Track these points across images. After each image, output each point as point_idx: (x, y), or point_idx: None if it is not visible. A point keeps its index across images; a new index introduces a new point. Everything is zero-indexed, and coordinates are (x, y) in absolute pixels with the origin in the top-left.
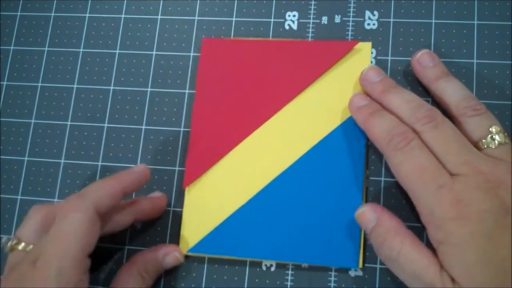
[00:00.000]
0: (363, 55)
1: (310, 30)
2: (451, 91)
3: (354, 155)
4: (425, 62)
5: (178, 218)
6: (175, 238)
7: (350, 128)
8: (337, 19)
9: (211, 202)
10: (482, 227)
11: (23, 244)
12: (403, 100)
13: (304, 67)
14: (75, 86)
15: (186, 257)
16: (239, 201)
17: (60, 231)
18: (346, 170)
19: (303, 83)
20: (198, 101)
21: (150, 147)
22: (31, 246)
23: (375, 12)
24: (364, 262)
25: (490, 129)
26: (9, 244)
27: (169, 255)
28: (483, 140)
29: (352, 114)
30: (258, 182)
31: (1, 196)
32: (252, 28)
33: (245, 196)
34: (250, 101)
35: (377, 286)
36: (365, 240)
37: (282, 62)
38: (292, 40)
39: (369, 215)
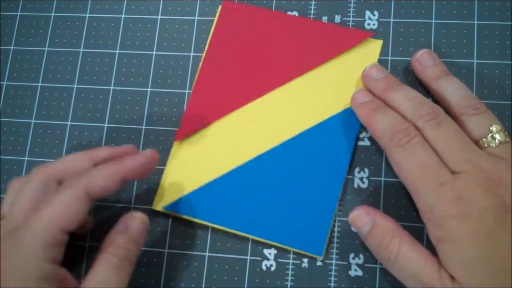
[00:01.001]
0: (371, 51)
1: None
2: (452, 90)
3: (343, 147)
4: (425, 62)
5: (178, 217)
6: (175, 238)
7: (345, 120)
8: (337, 19)
9: (195, 164)
10: (482, 225)
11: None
12: (406, 97)
13: (317, 48)
14: (75, 86)
15: (186, 256)
16: (223, 168)
17: (45, 204)
18: (331, 160)
19: (312, 63)
20: (207, 62)
21: (150, 147)
22: None
23: (375, 12)
24: (326, 252)
25: (491, 128)
26: None
27: (131, 220)
28: (484, 139)
29: (354, 110)
30: (246, 154)
31: (1, 196)
32: None
33: (230, 164)
34: (255, 71)
35: (377, 286)
36: (333, 231)
37: (296, 39)
38: (311, 19)
39: (363, 218)
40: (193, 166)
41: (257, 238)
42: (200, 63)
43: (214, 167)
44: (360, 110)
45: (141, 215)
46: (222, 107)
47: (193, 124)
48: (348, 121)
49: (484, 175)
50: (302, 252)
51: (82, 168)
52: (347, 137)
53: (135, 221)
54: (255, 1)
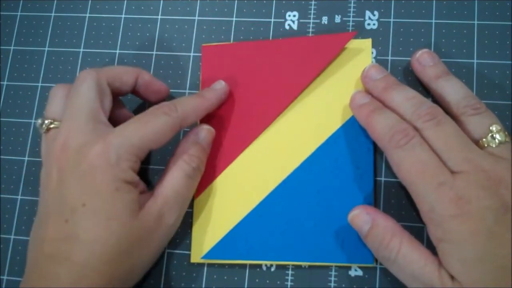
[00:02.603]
0: (363, 53)
1: (310, 30)
2: (451, 90)
3: (363, 151)
4: (425, 61)
5: None
6: (175, 238)
7: (356, 125)
8: (337, 19)
9: (221, 207)
10: (482, 225)
11: (56, 122)
12: (405, 97)
13: (306, 63)
14: None
15: (187, 256)
16: (250, 205)
17: (145, 122)
18: (355, 166)
19: (306, 80)
20: None
21: None
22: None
23: (375, 12)
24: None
25: (491, 128)
26: (44, 125)
27: (201, 131)
28: (484, 139)
29: (353, 112)
30: (267, 185)
31: (1, 196)
32: (252, 28)
33: (255, 199)
34: (254, 105)
35: (377, 286)
36: None
37: (283, 61)
38: (290, 38)
39: (363, 217)
40: (220, 211)
41: (303, 263)
42: None
43: (240, 206)
44: (358, 112)
45: (208, 126)
46: (231, 149)
47: (207, 176)
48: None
49: (484, 175)
50: (352, 264)
51: (127, 82)
52: (365, 138)
53: (204, 131)
54: (255, 1)
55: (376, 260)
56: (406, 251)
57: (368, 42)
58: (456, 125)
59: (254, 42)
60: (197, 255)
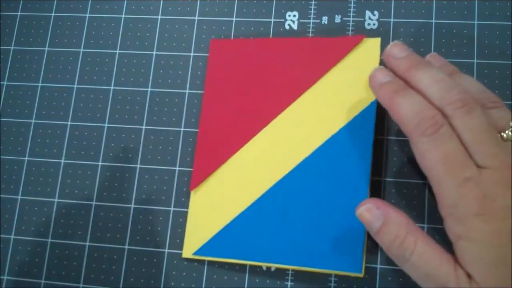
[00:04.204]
0: (372, 53)
1: (310, 30)
2: (468, 85)
3: (360, 155)
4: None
5: (178, 218)
6: (175, 238)
7: (356, 128)
8: (337, 19)
9: (216, 204)
10: (506, 225)
11: None
12: (433, 79)
13: (312, 64)
14: (75, 86)
15: (187, 258)
16: (245, 203)
17: None
18: (352, 170)
19: (310, 80)
20: (207, 102)
21: (150, 147)
22: None
23: (375, 12)
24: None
25: (511, 123)
26: None
27: None
28: (504, 133)
29: (374, 92)
30: (264, 184)
31: (1, 196)
32: (252, 28)
33: (250, 198)
34: (257, 101)
35: (377, 286)
36: (368, 244)
37: (290, 60)
38: (299, 37)
39: (374, 212)
40: (215, 207)
41: (292, 267)
42: (201, 105)
43: (236, 204)
44: (380, 91)
45: None
46: (231, 145)
47: (205, 169)
48: (361, 126)
49: (510, 172)
50: (340, 272)
51: None
52: (364, 142)
53: None
54: (255, 1)
55: (365, 269)
56: (421, 249)
57: (377, 41)
58: (485, 115)
59: (263, 39)
60: (189, 250)
